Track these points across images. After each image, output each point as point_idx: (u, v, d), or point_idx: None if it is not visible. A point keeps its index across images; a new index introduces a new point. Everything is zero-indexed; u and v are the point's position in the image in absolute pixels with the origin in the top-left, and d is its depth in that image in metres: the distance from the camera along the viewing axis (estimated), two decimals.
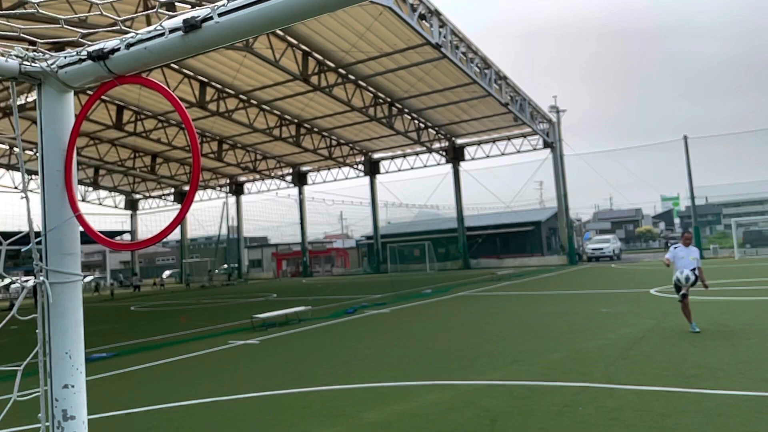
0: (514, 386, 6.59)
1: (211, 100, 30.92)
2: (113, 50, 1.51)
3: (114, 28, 1.62)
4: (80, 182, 47.27)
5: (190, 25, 1.39)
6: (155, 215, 55.45)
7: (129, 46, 1.49)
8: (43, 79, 1.60)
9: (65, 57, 1.59)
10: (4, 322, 1.57)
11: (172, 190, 52.63)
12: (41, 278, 1.52)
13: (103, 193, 51.47)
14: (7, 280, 38.20)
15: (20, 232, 1.69)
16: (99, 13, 1.59)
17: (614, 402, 5.69)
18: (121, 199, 53.84)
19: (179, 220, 1.63)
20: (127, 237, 52.37)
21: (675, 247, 10.13)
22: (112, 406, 6.81)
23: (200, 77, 29.62)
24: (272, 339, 11.73)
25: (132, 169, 44.81)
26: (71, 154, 1.58)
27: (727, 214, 77.04)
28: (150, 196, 54.22)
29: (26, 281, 1.69)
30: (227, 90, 30.84)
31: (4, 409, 1.59)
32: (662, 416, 5.15)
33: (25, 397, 1.57)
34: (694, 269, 9.74)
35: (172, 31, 1.42)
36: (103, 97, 36.51)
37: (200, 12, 1.39)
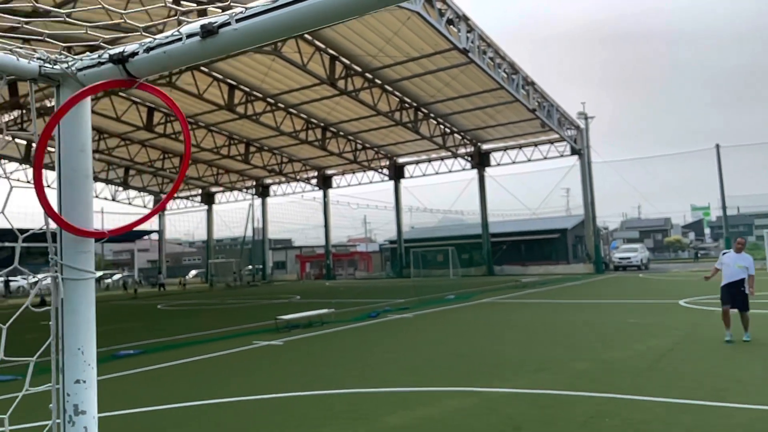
0: (538, 395, 6.50)
1: (239, 102, 31.35)
2: (133, 54, 1.53)
3: (135, 33, 1.66)
4: (111, 182, 48.39)
5: (207, 31, 1.41)
6: (182, 215, 56.43)
7: (148, 49, 1.51)
8: (61, 80, 1.62)
9: (84, 60, 1.61)
10: (15, 315, 1.60)
11: (200, 191, 53.47)
12: (56, 273, 1.54)
13: (132, 192, 52.51)
14: (20, 276, 39.23)
15: (31, 229, 1.72)
16: (122, 20, 1.64)
17: (641, 414, 5.57)
18: (150, 199, 54.80)
19: (161, 207, 2.02)
20: (154, 236, 53.27)
21: (724, 254, 9.94)
22: (138, 402, 6.93)
23: (229, 80, 30.05)
24: (296, 340, 11.80)
25: (161, 170, 45.64)
26: (41, 151, 1.57)
27: (760, 225, 74.86)
28: (177, 197, 55.08)
29: (35, 281, 1.71)
30: (255, 93, 31.23)
31: (17, 403, 1.63)
32: (691, 430, 5.03)
33: (36, 389, 1.62)
34: (742, 280, 9.42)
35: (189, 36, 1.44)
36: (135, 99, 36.34)
37: (218, 18, 1.40)
